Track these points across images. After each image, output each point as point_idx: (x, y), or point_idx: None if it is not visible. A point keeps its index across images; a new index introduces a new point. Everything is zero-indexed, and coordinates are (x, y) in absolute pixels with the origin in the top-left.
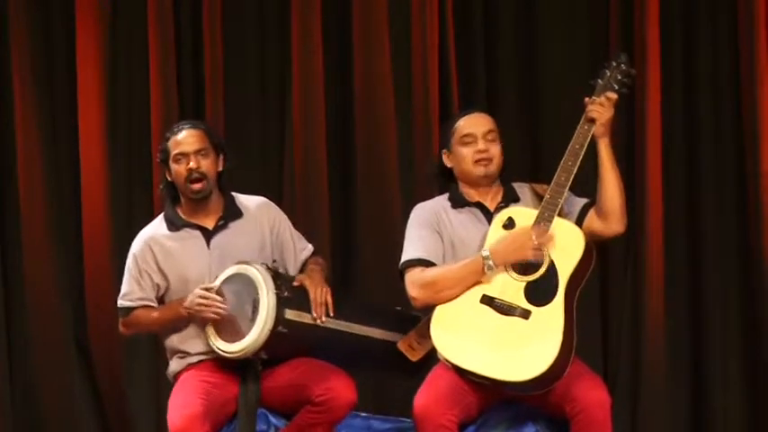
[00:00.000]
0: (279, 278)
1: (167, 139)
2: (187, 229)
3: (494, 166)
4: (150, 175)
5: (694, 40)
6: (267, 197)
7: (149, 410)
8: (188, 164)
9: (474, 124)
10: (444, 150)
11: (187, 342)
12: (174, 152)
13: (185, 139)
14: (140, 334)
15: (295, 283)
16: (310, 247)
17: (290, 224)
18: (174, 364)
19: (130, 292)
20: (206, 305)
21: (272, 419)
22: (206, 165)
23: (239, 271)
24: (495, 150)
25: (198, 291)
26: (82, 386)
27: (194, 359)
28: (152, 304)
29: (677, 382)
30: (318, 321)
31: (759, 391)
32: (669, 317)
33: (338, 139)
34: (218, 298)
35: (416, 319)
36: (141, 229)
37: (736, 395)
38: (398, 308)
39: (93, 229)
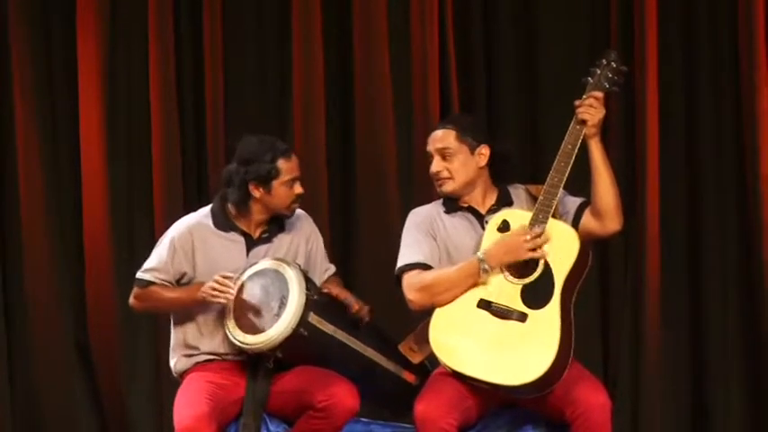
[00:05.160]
0: (309, 282)
1: (274, 159)
2: (233, 233)
3: (453, 184)
4: (150, 175)
5: (694, 40)
6: None
7: (149, 411)
8: (299, 189)
9: (431, 141)
10: None
11: (199, 339)
12: (288, 176)
13: (296, 164)
14: (147, 311)
15: (324, 290)
16: (333, 268)
17: (322, 242)
18: (181, 363)
19: (155, 269)
20: (220, 290)
21: (272, 426)
22: None
23: (273, 266)
24: (452, 167)
25: (216, 276)
26: (82, 386)
27: (202, 358)
28: (170, 286)
29: (677, 382)
30: (359, 313)
31: (759, 391)
32: (669, 318)
33: (338, 138)
34: (231, 285)
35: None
36: (141, 229)
37: (736, 395)
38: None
39: (94, 230)
